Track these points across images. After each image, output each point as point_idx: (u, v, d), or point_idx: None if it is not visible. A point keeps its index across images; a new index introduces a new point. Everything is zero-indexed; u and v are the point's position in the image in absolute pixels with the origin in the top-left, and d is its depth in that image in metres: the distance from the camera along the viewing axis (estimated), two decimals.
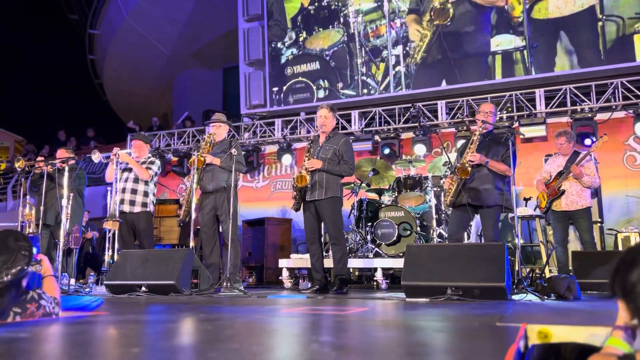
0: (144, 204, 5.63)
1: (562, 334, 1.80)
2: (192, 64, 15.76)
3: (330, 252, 6.46)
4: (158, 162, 5.87)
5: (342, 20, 9.55)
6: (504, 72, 8.31)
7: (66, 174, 5.40)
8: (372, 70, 9.22)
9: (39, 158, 6.02)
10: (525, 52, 8.16)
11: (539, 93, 7.77)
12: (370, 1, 9.35)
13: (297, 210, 4.99)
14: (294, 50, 9.88)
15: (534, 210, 6.47)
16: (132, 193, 5.59)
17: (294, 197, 4.99)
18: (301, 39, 9.85)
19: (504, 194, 4.53)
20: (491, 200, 4.48)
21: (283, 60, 9.95)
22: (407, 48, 8.95)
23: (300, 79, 9.70)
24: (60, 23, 19.30)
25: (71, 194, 5.56)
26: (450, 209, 4.88)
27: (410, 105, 8.38)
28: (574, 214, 5.27)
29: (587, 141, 7.04)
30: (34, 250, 2.54)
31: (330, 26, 9.65)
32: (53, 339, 1.87)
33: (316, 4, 9.81)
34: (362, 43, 9.33)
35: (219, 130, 5.47)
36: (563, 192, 5.28)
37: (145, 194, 5.64)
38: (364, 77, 9.26)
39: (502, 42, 8.35)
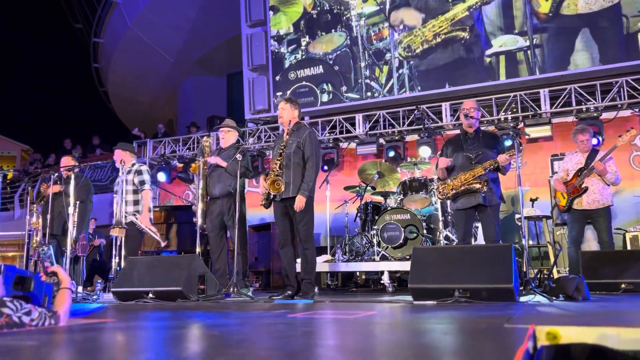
0: (136, 212, 5.70)
1: (571, 334, 1.78)
2: (196, 71, 15.84)
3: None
4: (144, 167, 5.84)
5: (344, 24, 9.58)
6: (508, 73, 8.28)
7: (72, 181, 5.43)
8: (375, 73, 9.23)
9: (43, 185, 6.05)
10: (529, 52, 8.13)
11: (544, 93, 7.74)
12: (373, 4, 9.37)
13: (267, 207, 4.76)
14: (297, 55, 9.91)
15: (551, 210, 6.40)
16: (133, 204, 5.68)
17: (263, 193, 4.75)
18: (304, 43, 9.88)
19: (499, 185, 4.61)
20: (494, 199, 4.51)
21: (286, 64, 9.97)
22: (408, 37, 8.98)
23: (304, 83, 9.72)
24: (65, 32, 19.47)
25: (77, 202, 5.59)
26: (452, 207, 4.87)
27: (414, 107, 8.38)
28: (594, 213, 5.14)
29: (594, 140, 6.99)
30: (49, 262, 2.53)
31: (333, 30, 9.68)
32: (60, 346, 1.88)
33: (319, 8, 9.84)
34: (365, 46, 9.34)
35: (227, 135, 5.48)
36: (586, 189, 5.14)
37: (136, 203, 5.71)
38: (367, 80, 9.27)
39: (506, 42, 8.33)
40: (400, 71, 9.01)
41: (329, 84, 9.56)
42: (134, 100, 17.30)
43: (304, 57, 9.88)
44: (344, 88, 9.43)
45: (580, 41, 7.84)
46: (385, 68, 9.15)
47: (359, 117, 8.83)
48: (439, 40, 8.75)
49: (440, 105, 8.35)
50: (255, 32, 10.30)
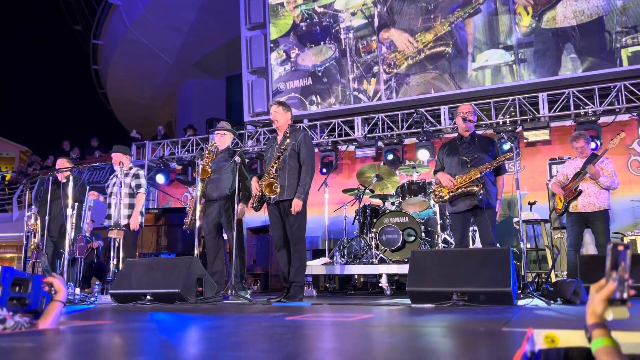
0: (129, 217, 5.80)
1: (569, 338, 1.78)
2: (195, 73, 15.84)
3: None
4: (142, 171, 6.00)
5: (333, 36, 9.56)
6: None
7: (71, 183, 5.43)
8: (363, 86, 9.22)
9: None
10: (514, 66, 8.15)
11: (542, 97, 7.75)
12: (361, 17, 9.37)
13: (257, 210, 4.76)
14: (287, 67, 9.91)
15: (550, 214, 6.41)
16: (129, 208, 5.78)
17: (254, 196, 4.76)
18: (293, 55, 9.87)
19: (496, 189, 4.67)
20: (491, 202, 4.53)
21: (276, 76, 9.97)
22: (392, 55, 8.97)
23: (292, 94, 9.72)
24: (65, 34, 19.49)
25: (76, 203, 5.60)
26: (449, 210, 4.89)
27: (413, 111, 8.39)
28: (590, 216, 5.12)
29: (592, 144, 7.00)
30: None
31: (322, 42, 9.66)
32: (57, 348, 1.87)
33: (308, 20, 9.84)
34: (353, 59, 9.33)
35: (223, 138, 5.48)
36: (580, 192, 5.13)
37: (131, 206, 5.82)
38: (355, 93, 9.26)
39: (491, 56, 8.32)
40: (388, 84, 9.01)
41: (318, 96, 9.54)
42: (132, 102, 17.30)
43: (292, 68, 9.86)
44: (332, 100, 9.42)
45: (565, 55, 7.87)
46: (373, 81, 9.14)
47: (357, 120, 8.83)
48: (422, 56, 8.76)
49: (439, 109, 8.36)
50: (254, 35, 10.31)
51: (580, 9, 7.85)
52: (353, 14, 9.44)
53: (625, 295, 1.24)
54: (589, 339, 1.30)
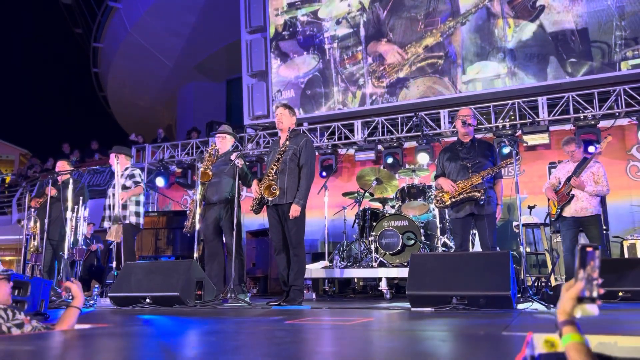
0: (125, 217, 5.80)
1: None
2: (195, 76, 15.86)
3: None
4: (136, 171, 5.99)
5: (317, 46, 9.42)
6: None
7: (70, 186, 5.44)
8: (348, 99, 9.16)
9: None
10: (506, 79, 8.14)
11: (542, 101, 7.76)
12: (346, 27, 9.28)
13: (257, 212, 4.75)
14: (270, 78, 9.87)
15: (545, 218, 6.42)
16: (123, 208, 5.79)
17: (254, 198, 4.76)
18: (275, 66, 9.79)
19: (495, 194, 4.69)
20: (491, 207, 4.53)
21: (274, 79, 9.93)
22: (382, 67, 8.93)
23: None
24: (65, 37, 19.52)
25: (75, 207, 5.60)
26: (450, 215, 4.89)
27: (412, 114, 8.39)
28: (583, 220, 5.14)
29: (591, 148, 7.01)
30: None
31: (305, 52, 9.52)
32: (56, 351, 1.87)
33: (290, 29, 9.72)
34: (338, 70, 9.22)
35: (224, 142, 5.48)
36: (572, 197, 5.16)
37: (124, 207, 5.80)
38: (340, 106, 9.20)
39: (482, 69, 8.29)
40: (373, 97, 8.98)
41: (301, 109, 9.46)
42: (133, 105, 17.32)
43: (275, 80, 9.81)
44: (317, 112, 9.37)
45: (550, 68, 7.88)
46: (358, 93, 9.07)
47: (357, 124, 8.83)
48: (413, 68, 8.72)
49: (439, 112, 8.37)
50: (254, 38, 10.31)
51: (561, 21, 7.83)
52: (338, 22, 9.29)
53: (594, 294, 1.29)
54: (560, 335, 1.34)
